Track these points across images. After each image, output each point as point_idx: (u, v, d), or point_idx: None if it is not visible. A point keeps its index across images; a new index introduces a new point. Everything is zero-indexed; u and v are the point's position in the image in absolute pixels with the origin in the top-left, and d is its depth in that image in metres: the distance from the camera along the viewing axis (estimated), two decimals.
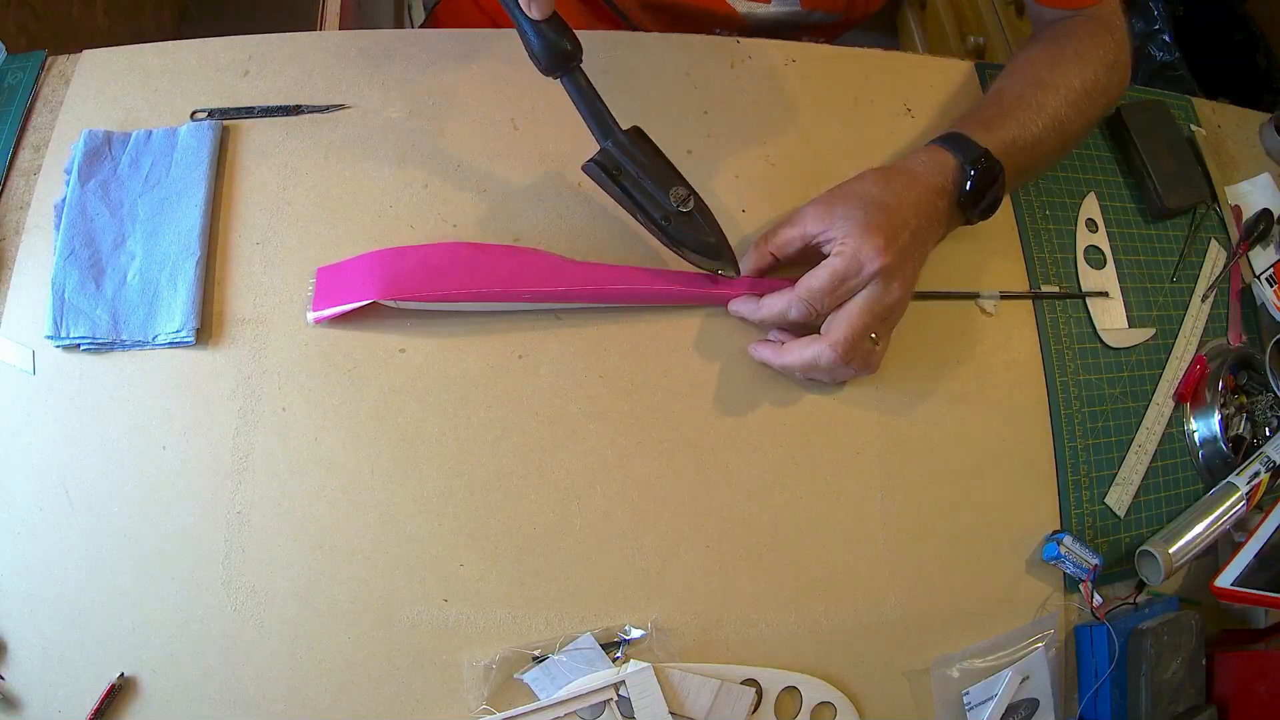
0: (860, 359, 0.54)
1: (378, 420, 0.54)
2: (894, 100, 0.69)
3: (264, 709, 0.49)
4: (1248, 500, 0.60)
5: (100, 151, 0.58)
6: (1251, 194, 0.73)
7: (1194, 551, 0.59)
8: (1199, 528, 0.59)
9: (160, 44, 0.63)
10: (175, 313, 0.54)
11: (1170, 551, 0.58)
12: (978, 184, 0.57)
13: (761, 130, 0.65)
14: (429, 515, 0.53)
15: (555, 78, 0.52)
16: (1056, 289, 0.65)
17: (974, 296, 0.63)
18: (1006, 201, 0.66)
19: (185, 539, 0.51)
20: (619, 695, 0.51)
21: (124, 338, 0.54)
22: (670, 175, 0.54)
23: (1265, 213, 0.71)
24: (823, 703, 0.53)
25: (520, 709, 0.50)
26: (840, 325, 0.53)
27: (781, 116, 0.67)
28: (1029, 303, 0.64)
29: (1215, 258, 0.70)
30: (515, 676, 0.51)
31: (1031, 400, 0.62)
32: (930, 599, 0.57)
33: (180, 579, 0.51)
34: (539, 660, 0.51)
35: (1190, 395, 0.65)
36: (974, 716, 0.55)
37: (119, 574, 0.50)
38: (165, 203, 0.57)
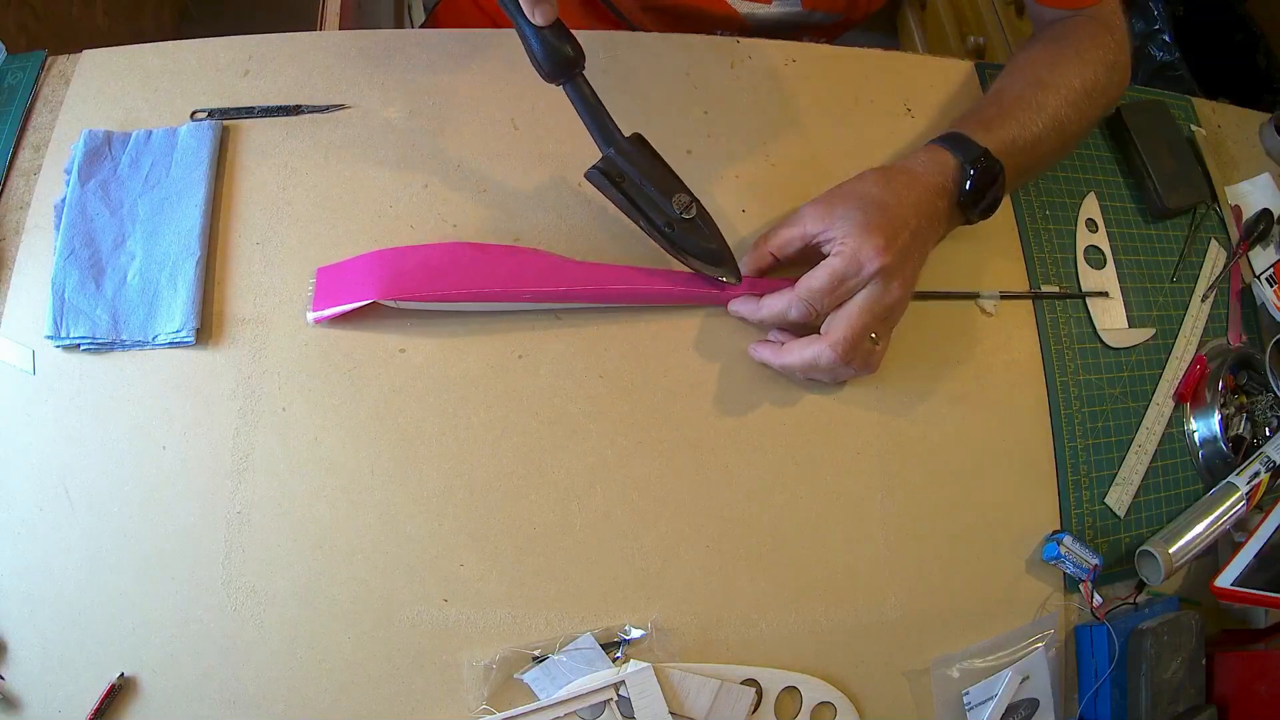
0: (860, 359, 0.54)
1: (378, 420, 0.54)
2: (894, 100, 0.69)
3: (264, 709, 0.49)
4: (1248, 500, 0.60)
5: (100, 151, 0.58)
6: (1251, 194, 0.73)
7: (1194, 551, 0.59)
8: (1199, 528, 0.59)
9: (160, 44, 0.63)
10: (175, 313, 0.54)
11: (1170, 551, 0.58)
12: (978, 184, 0.57)
13: (761, 130, 0.66)
14: (429, 515, 0.53)
15: (558, 84, 0.52)
16: (1056, 289, 0.65)
17: (974, 296, 0.63)
18: (1006, 201, 0.66)
19: (185, 539, 0.51)
20: (619, 695, 0.51)
21: (124, 338, 0.54)
22: (672, 182, 0.55)
23: (1265, 213, 0.71)
24: (823, 703, 0.53)
25: (520, 709, 0.50)
26: (840, 325, 0.53)
27: (781, 116, 0.67)
28: (1029, 303, 0.64)
29: (1215, 258, 0.70)
30: (515, 676, 0.51)
31: (1031, 400, 0.62)
32: (930, 599, 0.57)
33: (180, 579, 0.51)
34: (539, 660, 0.51)
35: (1190, 395, 0.65)
36: (974, 716, 0.55)
37: (119, 574, 0.50)
38: (165, 203, 0.57)
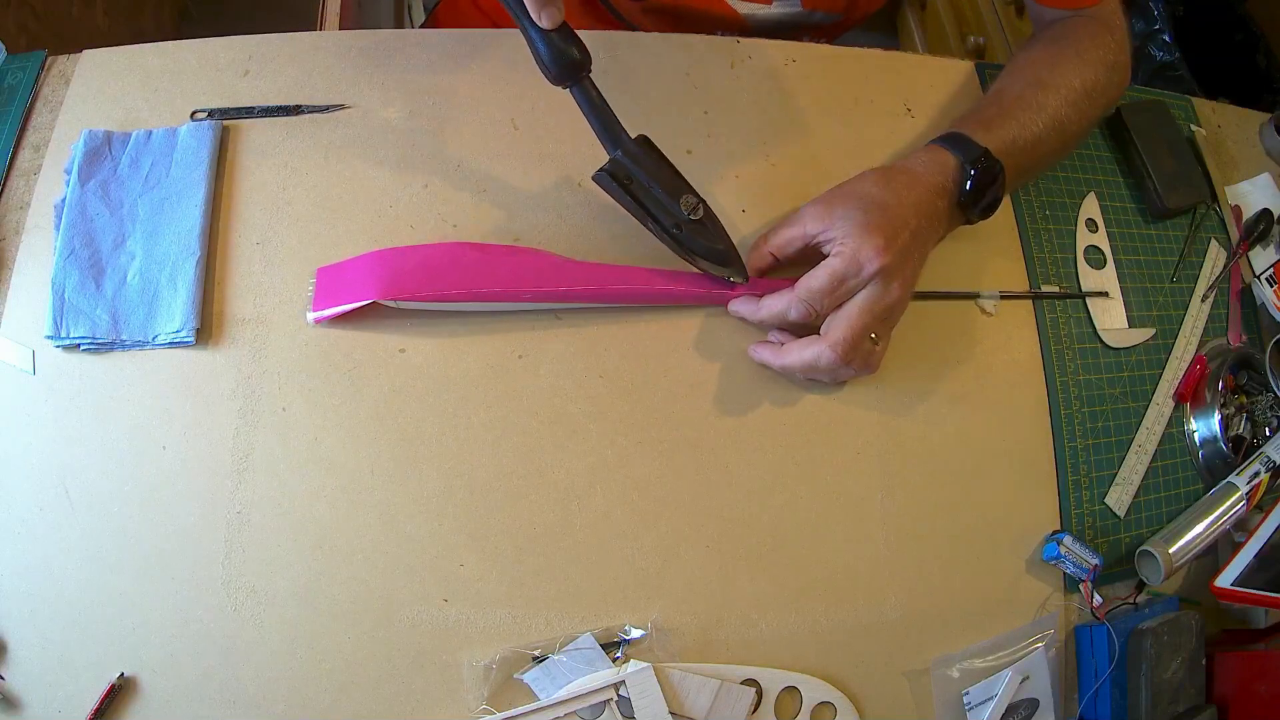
0: (860, 359, 0.54)
1: (378, 420, 0.54)
2: (894, 100, 0.69)
3: (264, 709, 0.49)
4: (1248, 500, 0.60)
5: (100, 151, 0.58)
6: (1251, 194, 0.73)
7: (1194, 551, 0.59)
8: (1199, 528, 0.59)
9: (160, 44, 0.63)
10: (175, 313, 0.54)
11: (1170, 551, 0.58)
12: (978, 184, 0.57)
13: (761, 130, 0.66)
14: (429, 515, 0.53)
15: (565, 87, 0.52)
16: (1056, 289, 0.65)
17: (974, 296, 0.63)
18: (1006, 201, 0.66)
19: (185, 539, 0.51)
20: (619, 695, 0.51)
21: (124, 338, 0.54)
22: (679, 183, 0.55)
23: (1265, 213, 0.71)
24: (823, 703, 0.53)
25: (520, 709, 0.50)
26: (840, 326, 0.53)
27: (781, 116, 0.67)
28: (1029, 303, 0.64)
29: (1215, 258, 0.70)
30: (515, 676, 0.51)
31: (1031, 400, 0.62)
32: (930, 599, 0.57)
33: (180, 579, 0.51)
34: (539, 660, 0.51)
35: (1190, 395, 0.65)
36: (974, 716, 0.55)
37: (119, 574, 0.50)
38: (165, 203, 0.57)
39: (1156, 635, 0.55)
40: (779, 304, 0.55)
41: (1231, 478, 0.61)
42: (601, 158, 0.53)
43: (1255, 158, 0.77)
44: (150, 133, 0.59)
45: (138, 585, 0.50)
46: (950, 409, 0.60)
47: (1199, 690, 0.56)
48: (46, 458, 0.52)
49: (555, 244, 0.59)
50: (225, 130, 0.60)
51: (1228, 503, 0.60)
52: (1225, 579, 0.58)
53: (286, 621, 0.50)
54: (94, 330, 0.54)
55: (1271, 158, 0.77)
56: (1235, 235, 0.71)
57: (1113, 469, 0.62)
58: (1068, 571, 0.58)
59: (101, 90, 0.61)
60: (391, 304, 0.54)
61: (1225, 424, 0.64)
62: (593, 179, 0.54)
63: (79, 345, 0.54)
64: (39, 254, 0.56)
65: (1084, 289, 0.66)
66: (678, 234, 0.55)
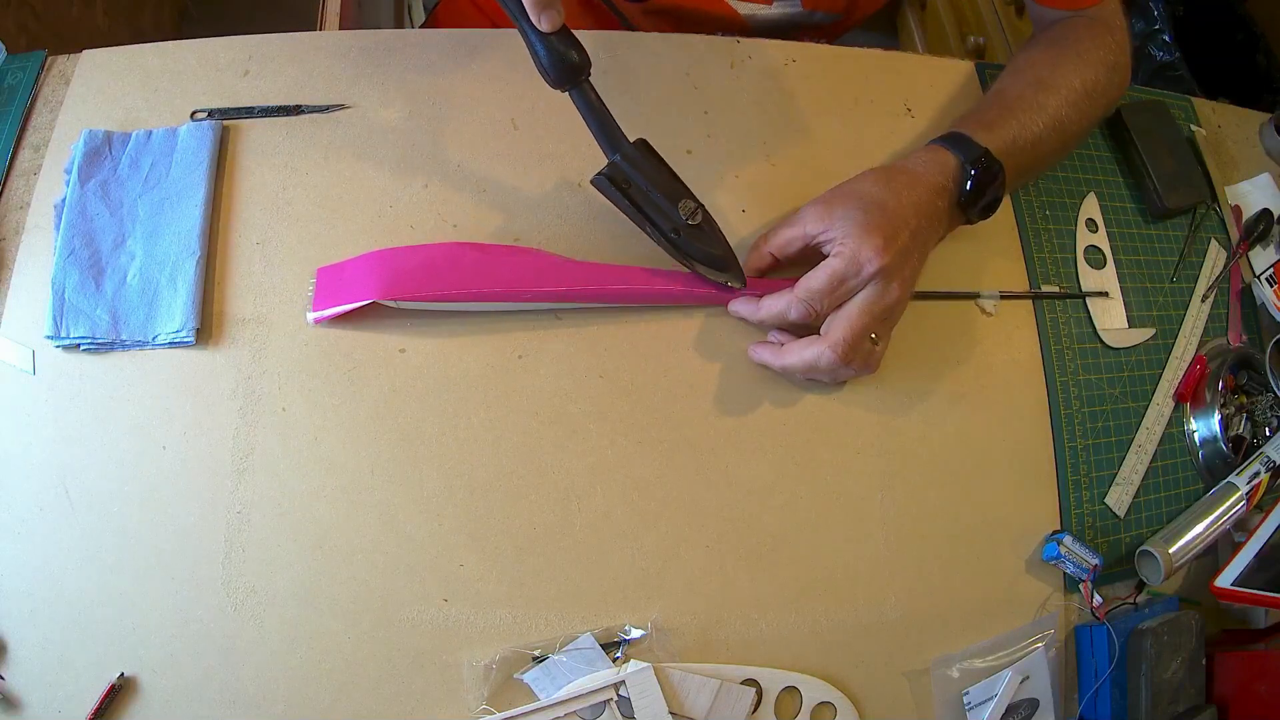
0: (860, 359, 0.54)
1: (378, 420, 0.54)
2: (894, 100, 0.69)
3: (264, 709, 0.49)
4: (1248, 500, 0.60)
5: (100, 151, 0.58)
6: (1251, 194, 0.73)
7: (1194, 551, 0.59)
8: (1199, 528, 0.59)
9: (160, 44, 0.63)
10: (175, 313, 0.54)
11: (1170, 551, 0.58)
12: (978, 184, 0.57)
13: (761, 130, 0.66)
14: (429, 515, 0.53)
15: (564, 91, 0.52)
16: (1056, 289, 0.65)
17: (974, 296, 0.63)
18: (1006, 201, 0.66)
19: (185, 539, 0.51)
20: (619, 695, 0.51)
21: (124, 338, 0.54)
22: (678, 188, 0.55)
23: (1265, 213, 0.71)
24: (823, 703, 0.53)
25: (520, 709, 0.50)
26: (840, 326, 0.53)
27: (781, 116, 0.67)
28: (1029, 303, 0.64)
29: (1215, 258, 0.70)
30: (515, 676, 0.51)
31: (1031, 400, 0.62)
32: (930, 599, 0.57)
33: (180, 579, 0.51)
34: (539, 660, 0.51)
35: (1190, 395, 0.65)
36: (974, 716, 0.55)
37: (119, 574, 0.50)
38: (165, 203, 0.57)
39: (1156, 635, 0.55)
40: (779, 304, 0.55)
41: (1231, 478, 0.61)
42: (602, 158, 0.54)
43: (1255, 158, 0.77)
44: (150, 133, 0.59)
45: (138, 585, 0.50)
46: (950, 409, 0.60)
47: (1199, 690, 0.56)
48: (46, 458, 0.52)
49: (555, 244, 0.59)
50: (225, 130, 0.60)
51: (1228, 503, 0.60)
52: (1225, 579, 0.58)
53: (286, 621, 0.50)
54: (94, 330, 0.54)
55: (1271, 158, 0.77)
56: (1235, 235, 0.71)
57: (1113, 469, 0.62)
58: (1068, 571, 0.58)
59: (101, 90, 0.61)
60: (391, 304, 0.54)
61: (1225, 424, 0.64)
62: (591, 183, 0.54)
63: (79, 345, 0.54)
64: (39, 254, 0.56)
65: (1084, 289, 0.66)
66: (676, 239, 0.55)
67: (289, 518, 0.52)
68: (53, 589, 0.50)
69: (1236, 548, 0.59)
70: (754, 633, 0.54)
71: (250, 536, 0.51)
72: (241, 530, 0.51)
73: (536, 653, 0.51)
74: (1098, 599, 0.57)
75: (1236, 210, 0.72)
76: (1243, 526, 0.61)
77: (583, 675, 0.51)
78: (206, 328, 0.55)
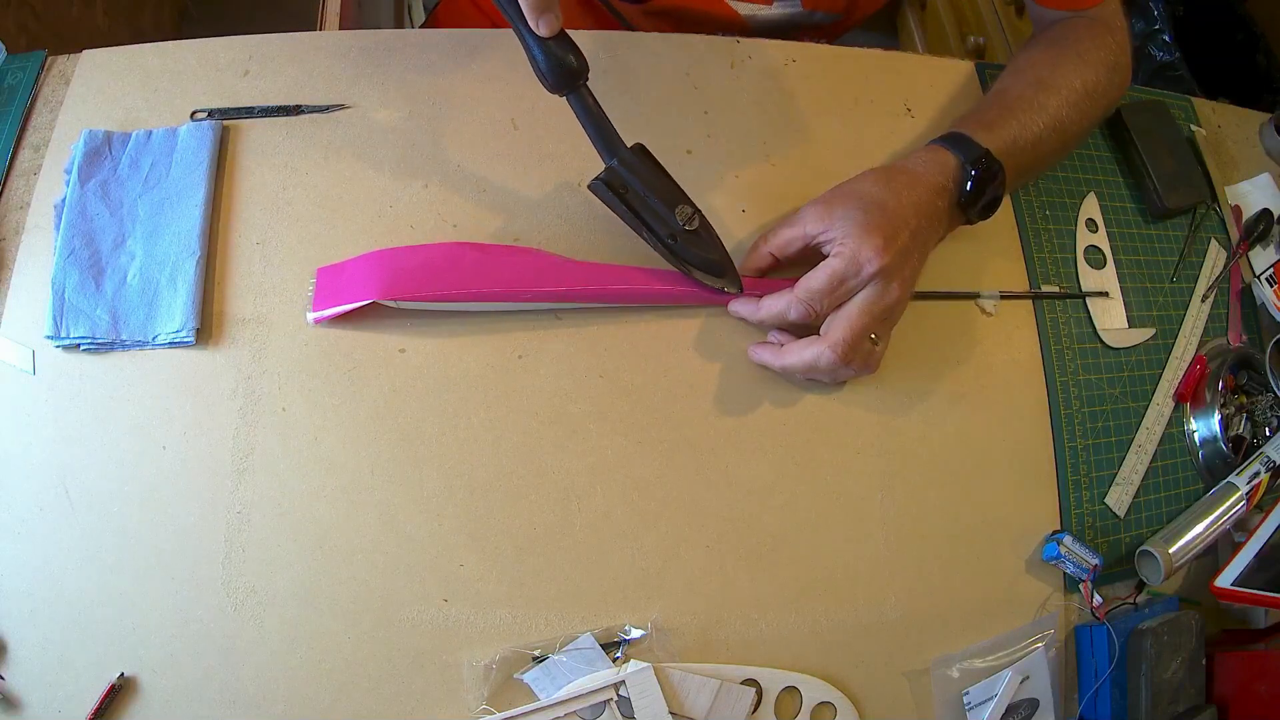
0: (860, 359, 0.54)
1: (378, 420, 0.54)
2: (894, 100, 0.69)
3: (264, 709, 0.49)
4: (1248, 500, 0.60)
5: (100, 151, 0.58)
6: (1251, 194, 0.73)
7: (1194, 551, 0.59)
8: (1199, 528, 0.59)
9: (160, 44, 0.63)
10: (175, 313, 0.54)
11: (1170, 551, 0.58)
12: (978, 184, 0.57)
13: (761, 130, 0.66)
14: (429, 515, 0.53)
15: (561, 95, 0.52)
16: (1056, 289, 0.65)
17: (974, 296, 0.63)
18: (1006, 201, 0.66)
19: (185, 539, 0.51)
20: (619, 695, 0.51)
21: (124, 338, 0.54)
22: (675, 193, 0.55)
23: (1265, 213, 0.71)
24: (823, 703, 0.53)
25: (520, 709, 0.50)
26: (840, 326, 0.53)
27: (781, 116, 0.67)
28: (1029, 303, 0.64)
29: (1215, 258, 0.70)
30: (515, 676, 0.51)
31: (1031, 400, 0.62)
32: (930, 599, 0.57)
33: (180, 579, 0.51)
34: (539, 660, 0.51)
35: (1190, 395, 0.65)
36: (974, 716, 0.55)
37: (119, 574, 0.50)
38: (165, 203, 0.57)
39: (1156, 635, 0.55)
40: (779, 304, 0.55)
41: (1231, 478, 0.61)
42: (601, 159, 0.54)
43: (1255, 158, 0.77)
44: (150, 133, 0.59)
45: (138, 585, 0.50)
46: (950, 409, 0.60)
47: (1199, 690, 0.56)
48: (46, 458, 0.52)
49: (555, 244, 0.59)
50: (225, 130, 0.60)
51: (1228, 503, 0.60)
52: (1225, 579, 0.58)
53: (286, 621, 0.50)
54: (94, 330, 0.54)
55: (1271, 158, 0.77)
56: (1235, 235, 0.71)
57: (1113, 469, 0.62)
58: (1068, 571, 0.58)
59: (101, 90, 0.61)
60: (391, 304, 0.54)
61: (1225, 424, 0.64)
62: (588, 188, 0.54)
63: (79, 345, 0.54)
64: (39, 254, 0.56)
65: (1084, 289, 0.66)
66: (673, 244, 0.55)
67: (289, 518, 0.52)
68: (53, 589, 0.50)
69: (1236, 548, 0.59)
70: (754, 633, 0.54)
71: (250, 536, 0.51)
72: (241, 530, 0.51)
73: (536, 653, 0.51)
74: (1098, 599, 0.57)
75: (1236, 210, 0.72)
76: (1243, 526, 0.61)
77: (583, 675, 0.51)
78: (206, 328, 0.55)
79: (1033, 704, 0.56)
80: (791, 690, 0.53)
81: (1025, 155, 0.60)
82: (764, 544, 0.55)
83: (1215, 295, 0.69)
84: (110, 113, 0.60)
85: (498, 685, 0.50)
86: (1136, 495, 0.61)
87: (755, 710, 0.52)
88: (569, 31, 0.50)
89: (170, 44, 0.63)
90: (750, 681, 0.53)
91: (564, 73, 0.50)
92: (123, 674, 0.49)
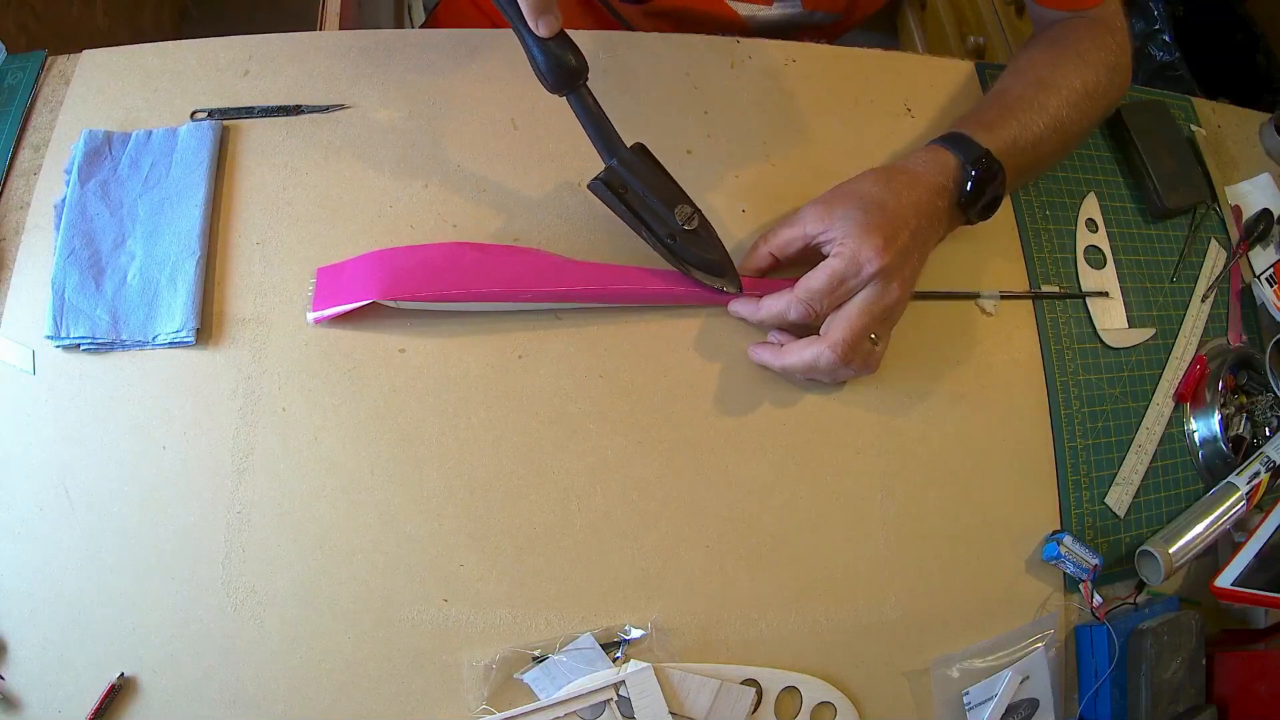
0: (860, 359, 0.54)
1: (378, 420, 0.54)
2: (894, 100, 0.69)
3: (264, 709, 0.49)
4: (1248, 500, 0.60)
5: (100, 151, 0.58)
6: (1251, 194, 0.73)
7: (1194, 551, 0.59)
8: (1199, 528, 0.59)
9: (160, 44, 0.63)
10: (175, 313, 0.54)
11: (1170, 551, 0.58)
12: (978, 184, 0.57)
13: (761, 130, 0.66)
14: (429, 515, 0.53)
15: (561, 95, 0.52)
16: (1056, 289, 0.65)
17: (974, 296, 0.63)
18: (1006, 201, 0.66)
19: (185, 539, 0.51)
20: (619, 695, 0.51)
21: (124, 338, 0.54)
22: (675, 193, 0.55)
23: (1265, 213, 0.71)
24: (823, 703, 0.53)
25: (520, 709, 0.50)
26: (840, 326, 0.53)
27: (781, 116, 0.67)
28: (1029, 303, 0.64)
29: (1215, 258, 0.70)
30: (515, 676, 0.51)
31: (1031, 400, 0.62)
32: (930, 599, 0.57)
33: (180, 579, 0.51)
34: (539, 660, 0.51)
35: (1190, 395, 0.65)
36: (974, 716, 0.55)
37: (119, 574, 0.50)
38: (165, 203, 0.57)
39: (1156, 635, 0.55)
40: (779, 304, 0.55)
41: (1231, 478, 0.61)
42: (601, 160, 0.54)
43: (1255, 158, 0.77)
44: (150, 133, 0.59)
45: (138, 585, 0.50)
46: (950, 409, 0.60)
47: (1199, 690, 0.56)
48: (46, 458, 0.52)
49: (555, 244, 0.59)
50: (225, 130, 0.60)
51: (1228, 503, 0.60)
52: (1225, 579, 0.58)
53: (286, 621, 0.50)
54: (94, 330, 0.54)
55: (1271, 158, 0.77)
56: (1235, 235, 0.71)
57: (1113, 469, 0.62)
58: (1068, 571, 0.58)
59: (101, 90, 0.61)
60: (391, 304, 0.54)
61: (1225, 424, 0.64)
62: (588, 187, 0.54)
63: (79, 345, 0.54)
64: (39, 254, 0.56)
65: (1084, 289, 0.66)
66: (672, 244, 0.55)
67: (289, 518, 0.52)
68: (53, 589, 0.50)
69: (1236, 548, 0.59)
70: (754, 633, 0.54)
71: (250, 536, 0.51)
72: (241, 530, 0.51)
73: (536, 653, 0.51)
74: (1098, 599, 0.57)
75: (1236, 210, 0.72)
76: (1243, 526, 0.61)
77: (583, 675, 0.51)
78: (206, 328, 0.55)
79: (1033, 704, 0.56)
80: (791, 690, 0.53)
81: (1025, 155, 0.60)
82: (764, 544, 0.55)
83: (1215, 295, 0.69)
84: (110, 113, 0.60)
85: (498, 685, 0.50)
86: (1136, 495, 0.61)
87: (755, 710, 0.52)
88: (569, 32, 0.51)
89: (170, 44, 0.63)
90: (750, 681, 0.53)
91: (563, 73, 0.50)
92: (123, 674, 0.49)
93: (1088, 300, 0.65)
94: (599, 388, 0.57)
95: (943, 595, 0.57)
